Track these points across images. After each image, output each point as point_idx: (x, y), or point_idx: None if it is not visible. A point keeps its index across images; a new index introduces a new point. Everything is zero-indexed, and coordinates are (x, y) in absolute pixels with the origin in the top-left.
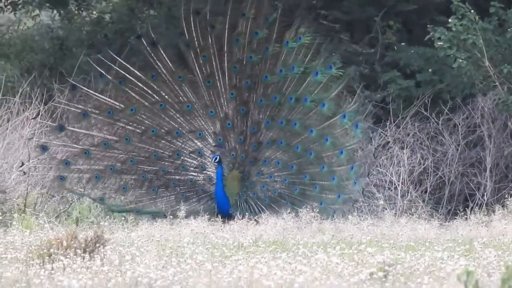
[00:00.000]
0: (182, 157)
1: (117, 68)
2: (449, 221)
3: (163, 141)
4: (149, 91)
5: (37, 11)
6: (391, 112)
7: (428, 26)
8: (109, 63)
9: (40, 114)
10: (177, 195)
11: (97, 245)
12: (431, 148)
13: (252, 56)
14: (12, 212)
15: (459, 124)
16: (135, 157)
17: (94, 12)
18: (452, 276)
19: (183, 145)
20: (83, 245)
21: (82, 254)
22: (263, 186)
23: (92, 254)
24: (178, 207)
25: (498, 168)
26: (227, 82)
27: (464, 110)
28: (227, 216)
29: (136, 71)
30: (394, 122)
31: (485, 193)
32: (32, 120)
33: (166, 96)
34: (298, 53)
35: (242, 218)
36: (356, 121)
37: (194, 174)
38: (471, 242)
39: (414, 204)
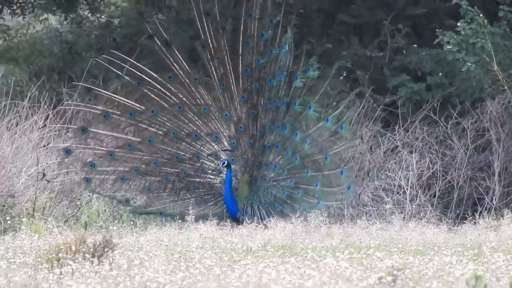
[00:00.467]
0: (201, 160)
1: (134, 70)
2: (457, 226)
3: (183, 143)
4: (167, 93)
5: (45, 15)
6: (400, 116)
7: (437, 30)
8: (124, 64)
9: (49, 118)
10: (197, 197)
11: (106, 249)
12: (440, 152)
13: (260, 59)
14: (21, 216)
15: (468, 128)
16: (158, 159)
17: (103, 16)
18: (461, 280)
19: (201, 148)
20: (91, 249)
21: (90, 259)
22: (264, 190)
23: (100, 259)
24: (199, 209)
25: (507, 172)
26: (240, 85)
27: (473, 114)
28: (235, 220)
29: (152, 73)
30: (403, 126)
31: (494, 198)
32: (42, 126)
33: (184, 98)
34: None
35: (251, 223)
36: (342, 122)
37: (211, 177)
38: (480, 247)
39: (422, 208)
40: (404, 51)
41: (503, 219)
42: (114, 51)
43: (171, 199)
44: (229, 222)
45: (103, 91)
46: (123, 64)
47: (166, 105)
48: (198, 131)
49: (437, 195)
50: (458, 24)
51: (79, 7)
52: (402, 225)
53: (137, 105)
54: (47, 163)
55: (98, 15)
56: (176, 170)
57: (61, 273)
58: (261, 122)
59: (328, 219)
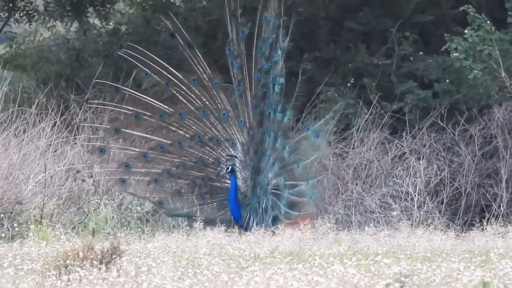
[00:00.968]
0: (221, 165)
1: (162, 70)
2: (465, 232)
3: (207, 148)
4: (193, 96)
5: (53, 22)
6: (407, 123)
7: (445, 35)
8: (151, 62)
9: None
10: (218, 202)
11: (114, 256)
12: (447, 159)
13: (265, 64)
14: (29, 223)
15: (475, 135)
16: (187, 162)
17: (110, 23)
18: (469, 287)
19: (222, 153)
20: (99, 256)
21: (98, 265)
22: (260, 197)
23: (108, 265)
24: (219, 213)
25: None
26: (252, 91)
27: (480, 121)
28: (239, 226)
29: (179, 74)
30: (410, 133)
31: (502, 204)
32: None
33: (207, 102)
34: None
35: (258, 229)
36: (319, 131)
37: (229, 182)
38: (488, 253)
39: (430, 215)
40: (411, 58)
41: (510, 225)
42: (137, 46)
43: (198, 202)
44: (236, 228)
45: (132, 90)
46: (150, 62)
47: (192, 108)
48: (219, 136)
49: (444, 202)
50: (466, 31)
51: (87, 14)
52: (410, 232)
53: (166, 106)
54: (54, 170)
55: (105, 22)
56: (202, 174)
57: (68, 280)
58: (263, 129)
59: (335, 225)
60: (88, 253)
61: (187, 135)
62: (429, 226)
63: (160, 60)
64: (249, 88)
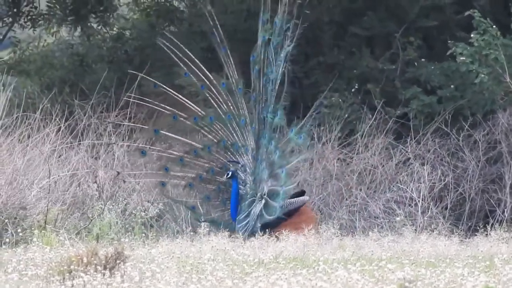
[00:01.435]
0: (237, 171)
1: (197, 70)
2: (469, 238)
3: (229, 153)
4: (221, 100)
5: (57, 28)
6: (411, 128)
7: (449, 41)
8: (191, 64)
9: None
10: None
11: (118, 261)
12: (452, 164)
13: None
14: (33, 228)
15: (480, 140)
16: (214, 167)
17: (114, 29)
18: None
19: (239, 159)
20: (103, 261)
21: (102, 271)
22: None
23: (112, 271)
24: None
25: None
26: (262, 97)
27: (485, 126)
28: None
29: (211, 76)
30: (414, 138)
31: (506, 210)
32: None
33: (231, 107)
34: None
35: (263, 235)
36: (301, 132)
37: (242, 187)
38: (492, 259)
39: (434, 220)
40: (415, 63)
41: None
42: (166, 42)
43: (220, 209)
44: (240, 234)
45: (171, 90)
46: (189, 62)
47: (220, 113)
48: (238, 141)
49: (448, 207)
50: (471, 35)
51: (90, 20)
52: (414, 237)
53: (199, 109)
54: (58, 175)
55: (109, 28)
56: (224, 180)
57: (72, 286)
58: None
59: (340, 231)
60: (92, 259)
61: (215, 140)
62: (433, 231)
63: (197, 61)
64: (259, 93)
